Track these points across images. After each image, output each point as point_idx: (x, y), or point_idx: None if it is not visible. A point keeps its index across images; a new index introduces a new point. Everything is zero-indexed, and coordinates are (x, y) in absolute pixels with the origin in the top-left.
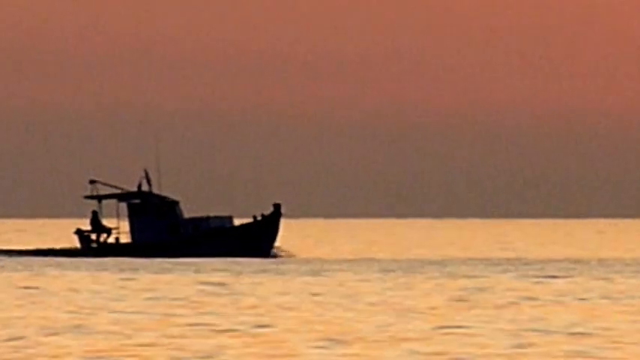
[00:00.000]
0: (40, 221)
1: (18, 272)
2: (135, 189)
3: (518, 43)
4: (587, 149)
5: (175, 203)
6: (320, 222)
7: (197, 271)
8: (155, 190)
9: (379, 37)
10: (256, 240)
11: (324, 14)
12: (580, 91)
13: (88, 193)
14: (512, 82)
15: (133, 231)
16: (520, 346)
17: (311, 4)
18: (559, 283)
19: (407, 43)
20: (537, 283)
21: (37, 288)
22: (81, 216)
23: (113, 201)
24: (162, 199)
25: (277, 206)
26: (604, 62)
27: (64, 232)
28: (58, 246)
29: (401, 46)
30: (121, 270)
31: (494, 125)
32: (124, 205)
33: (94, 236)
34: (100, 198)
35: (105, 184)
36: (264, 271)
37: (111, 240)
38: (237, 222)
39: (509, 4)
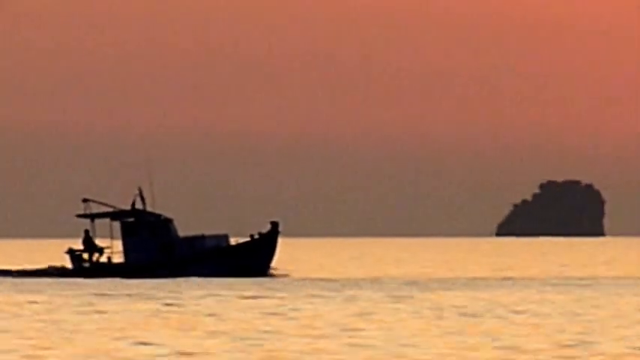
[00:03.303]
0: (30, 241)
1: None
2: (128, 207)
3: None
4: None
5: (170, 221)
6: (317, 241)
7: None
8: (149, 209)
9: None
10: (253, 259)
11: (320, 33)
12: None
13: (81, 211)
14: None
15: (126, 250)
16: None
17: (308, 26)
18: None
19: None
20: None
21: None
22: (73, 235)
23: (106, 220)
24: (157, 218)
25: (275, 224)
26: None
27: (55, 252)
28: (44, 266)
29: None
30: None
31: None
32: (117, 224)
33: (85, 256)
34: (92, 217)
35: (98, 203)
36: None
37: (103, 259)
38: (233, 241)
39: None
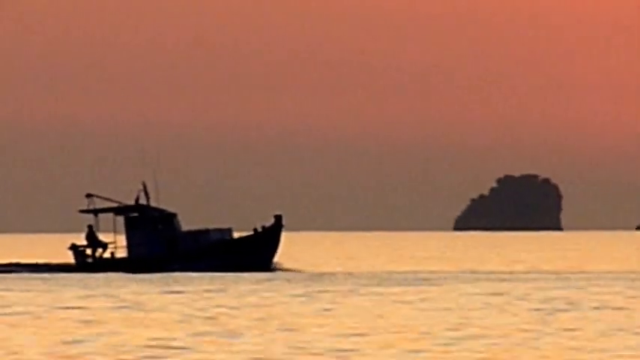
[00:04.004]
0: (34, 236)
1: None
2: (132, 202)
3: None
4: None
5: (173, 216)
6: (319, 235)
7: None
8: (153, 203)
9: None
10: (257, 253)
11: (319, 27)
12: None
13: (84, 206)
14: None
15: (130, 245)
16: None
17: (309, 21)
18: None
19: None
20: None
21: None
22: (77, 230)
23: (110, 215)
24: (160, 212)
25: (278, 218)
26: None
27: (58, 247)
28: (42, 261)
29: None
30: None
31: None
32: (121, 219)
33: (89, 251)
34: (96, 212)
35: (101, 198)
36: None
37: (106, 255)
38: (236, 234)
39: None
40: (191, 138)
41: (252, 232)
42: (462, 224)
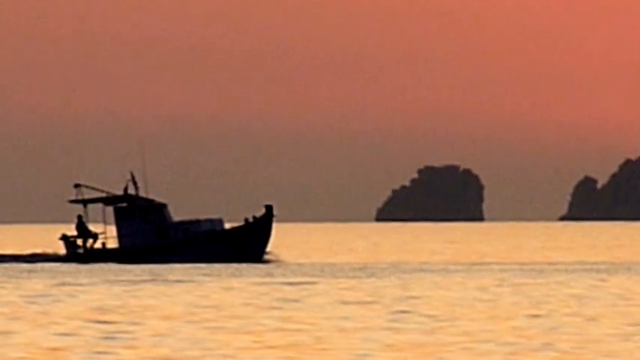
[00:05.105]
0: (23, 226)
1: None
2: (121, 192)
3: None
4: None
5: (163, 206)
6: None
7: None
8: (142, 194)
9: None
10: (248, 243)
11: (323, 19)
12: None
13: (73, 197)
14: None
15: (120, 236)
16: None
17: (315, 15)
18: None
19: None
20: None
21: None
22: (66, 221)
23: (99, 205)
24: (150, 203)
25: (269, 208)
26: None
27: (48, 238)
28: (38, 251)
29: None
30: None
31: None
32: (110, 210)
33: (79, 242)
34: (85, 202)
35: (90, 188)
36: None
37: (97, 245)
38: (227, 225)
39: None
40: (181, 128)
41: (242, 223)
42: (384, 215)
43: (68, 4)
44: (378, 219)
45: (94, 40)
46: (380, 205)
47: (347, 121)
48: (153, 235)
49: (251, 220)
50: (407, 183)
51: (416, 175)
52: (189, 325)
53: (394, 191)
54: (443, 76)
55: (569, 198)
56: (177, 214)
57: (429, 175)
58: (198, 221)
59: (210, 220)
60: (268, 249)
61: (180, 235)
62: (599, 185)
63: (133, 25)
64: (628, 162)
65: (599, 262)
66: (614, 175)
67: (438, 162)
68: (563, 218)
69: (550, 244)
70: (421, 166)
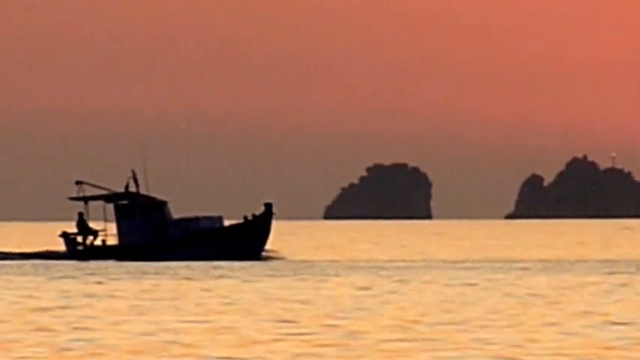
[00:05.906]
0: (23, 224)
1: None
2: (122, 190)
3: None
4: None
5: (164, 204)
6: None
7: None
8: (143, 191)
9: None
10: (247, 241)
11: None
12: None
13: (74, 194)
14: None
15: (120, 233)
16: None
17: (323, 19)
18: None
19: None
20: None
21: None
22: (67, 218)
23: (100, 202)
24: (150, 200)
25: (269, 206)
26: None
27: (49, 235)
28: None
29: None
30: None
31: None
32: (110, 207)
33: (80, 239)
34: (86, 199)
35: (91, 185)
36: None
37: (97, 242)
38: (227, 222)
39: None
40: (181, 126)
41: (242, 220)
42: (333, 213)
43: (68, 4)
44: (327, 217)
45: (94, 39)
46: (329, 202)
47: (294, 120)
48: (153, 233)
49: (250, 218)
50: (356, 181)
51: (365, 173)
52: None
53: (343, 189)
54: (390, 75)
55: (516, 196)
56: (177, 212)
57: (377, 173)
58: (197, 219)
59: (210, 218)
60: (267, 246)
61: (180, 232)
62: (545, 183)
63: (133, 24)
64: (575, 160)
65: (519, 259)
66: (560, 174)
67: (386, 160)
68: (509, 216)
69: (481, 241)
70: (370, 164)
